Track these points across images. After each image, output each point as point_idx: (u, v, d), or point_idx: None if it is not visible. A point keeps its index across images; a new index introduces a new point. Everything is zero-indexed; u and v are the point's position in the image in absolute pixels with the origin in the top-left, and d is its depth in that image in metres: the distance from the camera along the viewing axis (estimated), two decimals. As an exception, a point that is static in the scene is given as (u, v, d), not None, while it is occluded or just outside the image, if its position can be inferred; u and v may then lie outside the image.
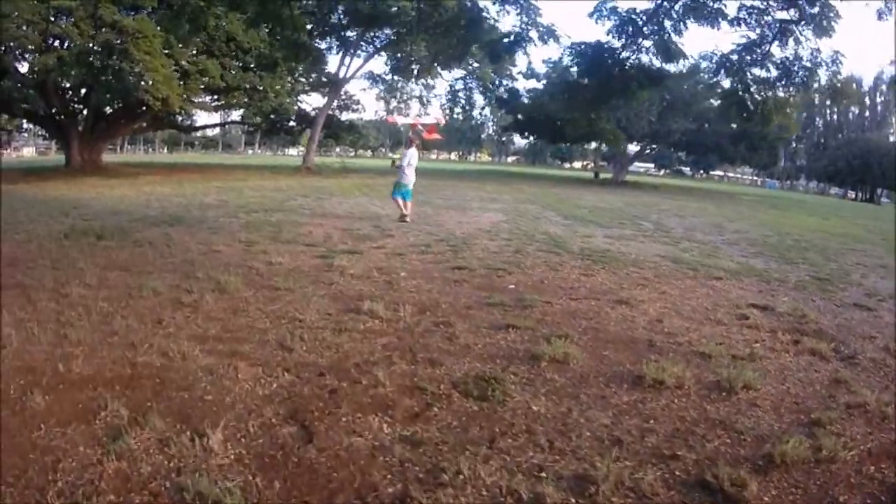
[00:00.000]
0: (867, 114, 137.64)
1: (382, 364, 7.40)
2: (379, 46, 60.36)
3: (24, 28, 36.11)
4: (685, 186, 74.87)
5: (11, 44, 37.77)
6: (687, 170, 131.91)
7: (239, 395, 6.43)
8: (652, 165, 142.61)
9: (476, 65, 60.86)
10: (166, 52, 39.50)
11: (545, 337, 8.55)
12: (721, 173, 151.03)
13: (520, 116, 71.88)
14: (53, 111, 49.29)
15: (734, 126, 59.52)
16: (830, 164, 76.01)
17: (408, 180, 21.97)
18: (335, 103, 62.00)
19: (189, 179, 40.35)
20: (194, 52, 42.91)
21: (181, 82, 41.13)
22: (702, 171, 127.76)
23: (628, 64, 18.27)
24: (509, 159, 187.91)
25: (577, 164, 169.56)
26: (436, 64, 59.59)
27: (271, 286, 11.06)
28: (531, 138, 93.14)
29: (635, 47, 18.33)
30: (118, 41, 36.76)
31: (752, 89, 17.67)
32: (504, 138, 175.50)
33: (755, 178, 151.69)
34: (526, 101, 69.46)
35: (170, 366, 7.13)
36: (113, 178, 40.25)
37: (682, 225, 25.74)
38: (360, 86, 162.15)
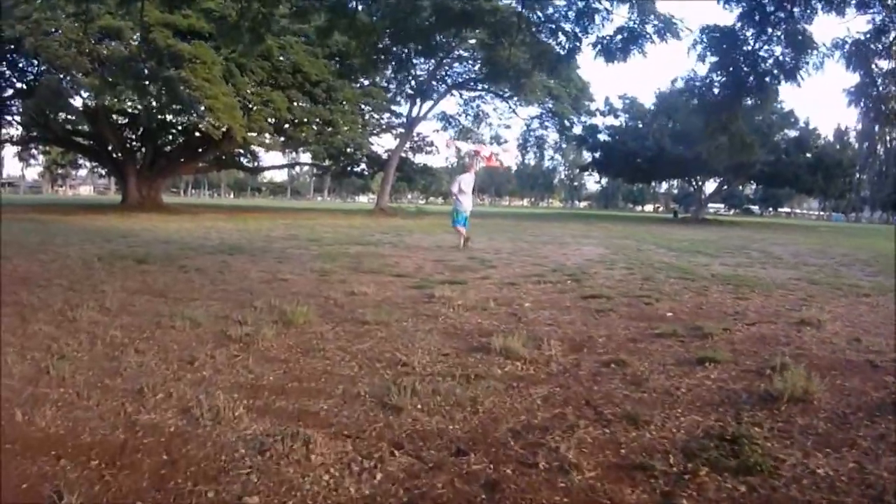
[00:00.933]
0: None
1: (557, 428, 4.76)
2: (451, 84, 58.46)
3: (69, 48, 33.81)
4: (762, 223, 71.42)
5: (59, 69, 36.17)
6: (755, 208, 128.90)
7: (315, 498, 3.64)
8: (722, 205, 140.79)
9: (551, 103, 57.60)
10: (228, 83, 37.65)
11: (758, 370, 6.50)
12: (788, 210, 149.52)
13: (597, 155, 69.93)
14: (109, 146, 48.09)
15: (808, 155, 59.80)
16: (846, 186, 71.74)
17: (462, 207, 20.87)
18: (408, 144, 59.67)
19: (254, 218, 38.08)
20: (257, 81, 41.10)
21: (244, 114, 38.94)
22: (770, 209, 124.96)
23: (760, 55, 15.23)
24: (581, 204, 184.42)
25: (649, 207, 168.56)
26: (516, 99, 58.46)
27: (356, 319, 8.44)
28: (605, 180, 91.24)
29: (765, 37, 15.33)
30: (173, 67, 34.64)
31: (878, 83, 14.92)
32: (576, 183, 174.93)
33: (821, 212, 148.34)
34: (604, 138, 67.50)
35: (192, 433, 4.42)
36: (172, 214, 38.91)
37: (787, 252, 23.81)
38: (431, 127, 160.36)
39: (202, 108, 36.01)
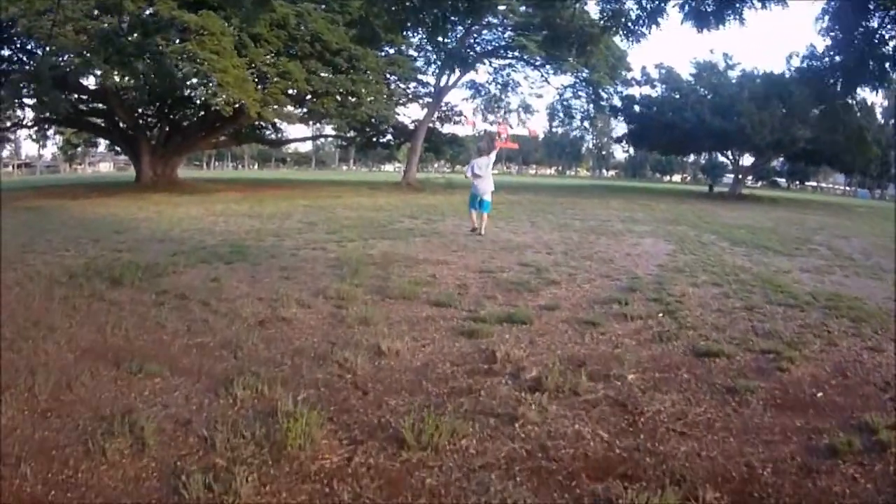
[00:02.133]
0: None
1: None
2: (480, 52, 55.81)
3: (64, 26, 31.13)
4: (796, 199, 68.25)
5: (58, 49, 33.48)
6: (782, 181, 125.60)
7: None
8: (749, 178, 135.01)
9: (586, 72, 54.07)
10: (241, 55, 34.61)
11: None
12: (814, 184, 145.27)
13: (632, 126, 66.76)
14: (121, 124, 45.50)
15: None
16: (883, 164, 68.04)
17: (478, 190, 19.29)
18: (435, 114, 56.40)
19: (273, 197, 36.25)
20: (273, 52, 37.63)
21: (259, 87, 36.04)
22: (796, 182, 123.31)
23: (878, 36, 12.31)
24: (608, 173, 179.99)
25: (676, 178, 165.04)
26: (548, 68, 56.07)
27: (384, 432, 5.31)
28: (644, 150, 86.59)
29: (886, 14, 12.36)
30: (177, 40, 32.20)
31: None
32: (604, 152, 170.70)
33: (847, 187, 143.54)
34: (640, 109, 64.07)
35: None
36: (186, 194, 35.99)
37: (853, 248, 20.58)
38: (460, 96, 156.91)
39: (211, 82, 33.33)
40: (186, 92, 39.20)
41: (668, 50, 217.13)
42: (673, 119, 56.68)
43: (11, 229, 18.78)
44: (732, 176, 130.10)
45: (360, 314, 9.09)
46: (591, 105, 61.30)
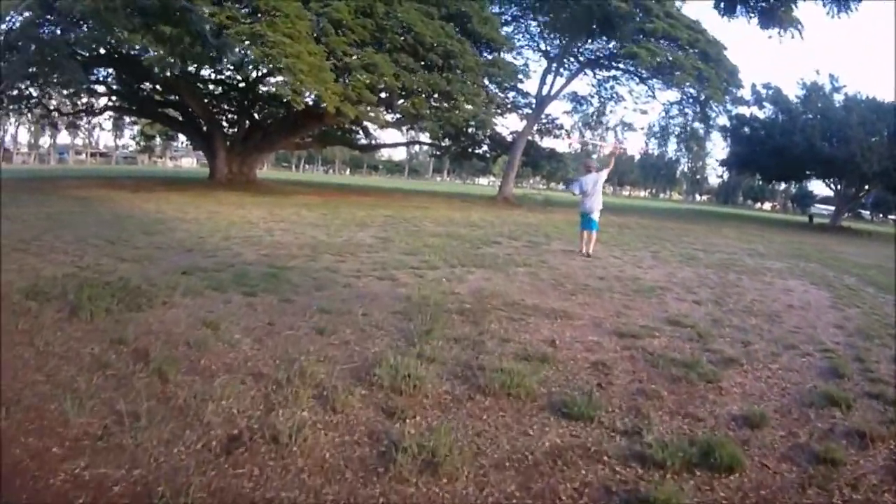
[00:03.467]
0: None
1: None
2: (584, 62, 51.82)
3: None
4: (889, 232, 61.82)
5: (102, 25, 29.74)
6: (867, 213, 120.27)
7: None
8: (833, 208, 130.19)
9: (693, 88, 48.71)
10: (319, 42, 30.66)
11: None
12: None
13: (738, 148, 61.74)
14: (196, 117, 42.45)
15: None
16: None
17: (585, 208, 18.35)
18: (535, 126, 51.73)
19: (354, 204, 32.87)
20: (357, 42, 32.62)
21: (340, 80, 31.76)
22: (881, 215, 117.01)
23: None
24: (701, 198, 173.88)
25: (766, 205, 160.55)
26: (655, 81, 51.23)
27: None
28: (726, 174, 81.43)
29: None
30: (248, 21, 28.40)
31: None
32: (699, 176, 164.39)
33: None
34: (748, 130, 59.19)
35: None
36: (259, 195, 33.04)
37: None
38: (561, 108, 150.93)
39: (281, 69, 29.78)
40: (252, 75, 36.66)
41: (769, 69, 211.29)
42: (782, 143, 52.02)
43: (30, 219, 17.27)
44: (823, 205, 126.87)
45: (426, 439, 4.85)
46: (700, 123, 56.76)
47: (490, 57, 41.44)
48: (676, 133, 59.86)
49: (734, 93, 51.45)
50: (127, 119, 58.46)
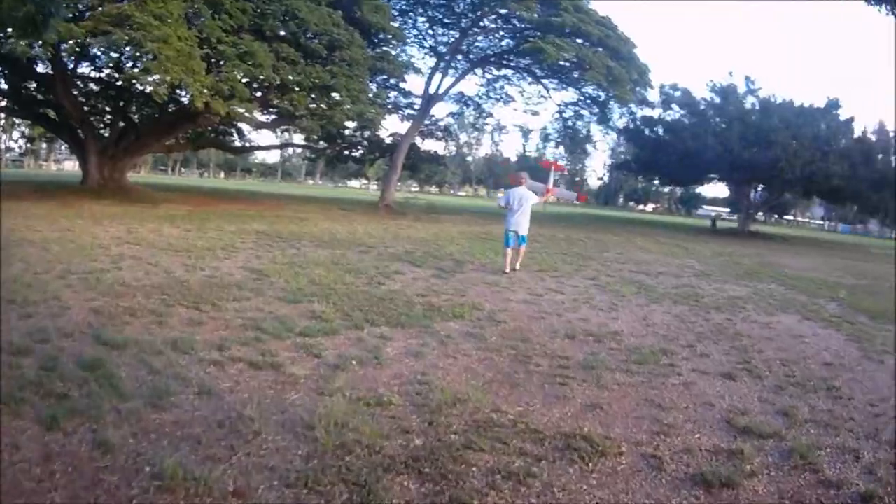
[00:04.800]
0: None
1: None
2: (475, 60, 48.08)
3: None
4: (798, 235, 65.97)
5: None
6: (760, 215, 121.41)
7: None
8: (727, 209, 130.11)
9: (591, 87, 46.16)
10: (192, 27, 26.62)
11: None
12: (791, 217, 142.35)
13: (642, 152, 59.87)
14: (70, 118, 37.39)
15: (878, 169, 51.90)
16: (880, 203, 64.11)
17: (510, 225, 17.25)
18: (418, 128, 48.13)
19: (225, 214, 28.49)
20: (234, 27, 28.16)
21: (213, 71, 27.69)
22: (775, 216, 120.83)
23: None
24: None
25: (649, 207, 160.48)
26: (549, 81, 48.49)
27: None
28: (651, 178, 79.64)
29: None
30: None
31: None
32: (578, 178, 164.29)
33: (829, 221, 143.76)
34: (657, 133, 57.30)
35: None
36: (125, 204, 28.90)
37: None
38: (446, 109, 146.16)
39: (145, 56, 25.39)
40: (129, 71, 30.20)
41: (678, 72, 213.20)
42: (693, 146, 49.66)
43: None
44: (710, 207, 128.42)
45: None
46: (599, 125, 54.00)
47: (377, 51, 37.51)
48: (570, 135, 56.01)
49: (642, 93, 48.68)
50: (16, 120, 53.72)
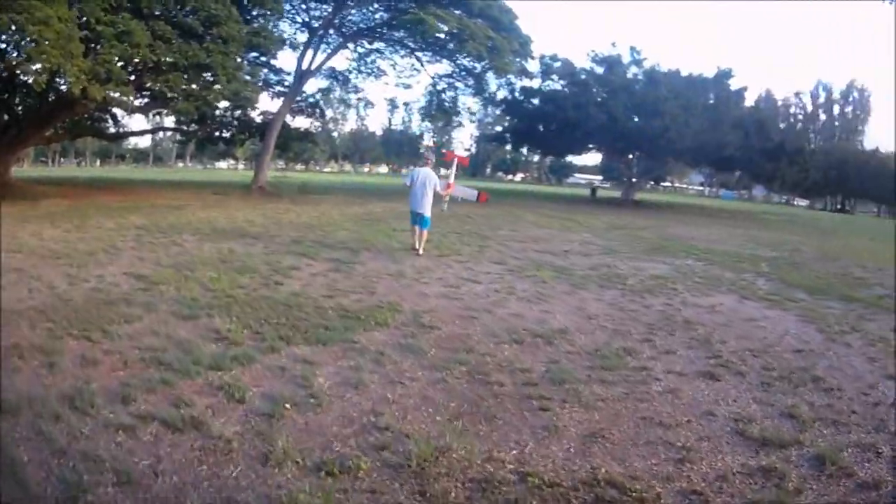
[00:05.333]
0: (837, 123, 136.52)
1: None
2: (348, 34, 46.20)
3: None
4: (683, 203, 67.78)
5: None
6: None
7: None
8: (600, 177, 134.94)
9: (467, 59, 44.80)
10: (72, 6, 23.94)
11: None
12: (668, 184, 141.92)
13: (515, 122, 59.44)
14: None
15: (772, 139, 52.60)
16: (801, 173, 66.10)
17: (419, 206, 16.81)
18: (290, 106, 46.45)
19: (103, 208, 25.91)
20: (111, 5, 25.16)
21: (87, 52, 24.63)
22: (652, 182, 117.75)
23: None
24: (447, 171, 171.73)
25: (518, 177, 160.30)
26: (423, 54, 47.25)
27: None
28: (528, 150, 78.98)
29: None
30: None
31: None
32: (444, 150, 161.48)
33: (708, 188, 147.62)
34: (535, 104, 55.80)
35: None
36: (7, 203, 25.18)
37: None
38: (315, 86, 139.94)
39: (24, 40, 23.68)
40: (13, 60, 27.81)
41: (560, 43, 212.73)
42: (575, 116, 49.06)
43: None
44: (581, 175, 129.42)
45: None
46: (476, 97, 52.96)
47: (254, 25, 34.63)
48: (444, 108, 53.72)
49: (522, 64, 47.53)
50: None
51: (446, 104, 52.66)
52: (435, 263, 15.32)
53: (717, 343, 9.46)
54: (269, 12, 35.09)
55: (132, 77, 29.69)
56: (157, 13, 27.58)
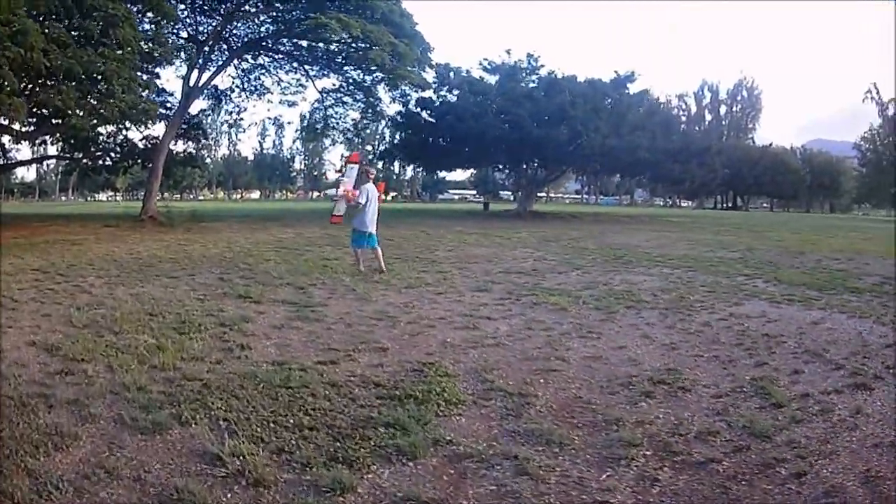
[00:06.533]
0: (724, 122, 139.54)
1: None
2: (235, 48, 42.51)
3: None
4: (577, 212, 62.55)
5: None
6: (507, 193, 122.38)
7: None
8: (473, 191, 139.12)
9: (355, 72, 43.13)
10: None
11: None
12: (543, 193, 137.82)
13: (411, 136, 55.19)
14: None
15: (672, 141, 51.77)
16: (710, 173, 66.64)
17: (359, 224, 16.14)
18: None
19: None
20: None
21: None
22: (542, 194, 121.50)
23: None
24: (317, 194, 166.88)
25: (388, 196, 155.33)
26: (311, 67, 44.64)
27: None
28: (421, 166, 75.02)
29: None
30: None
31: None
32: (316, 172, 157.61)
33: (585, 194, 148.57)
34: (430, 116, 52.77)
35: None
36: None
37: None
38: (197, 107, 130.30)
39: None
40: None
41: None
42: (476, 128, 45.96)
43: None
44: (455, 191, 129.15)
45: None
46: (367, 112, 49.44)
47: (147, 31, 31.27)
48: (332, 124, 50.85)
49: (420, 74, 43.36)
50: None
51: (333, 120, 49.87)
52: (410, 297, 12.50)
53: (824, 352, 8.65)
54: (161, 19, 30.98)
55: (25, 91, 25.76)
56: (52, 14, 23.92)
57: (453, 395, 6.56)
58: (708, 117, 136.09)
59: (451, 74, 51.69)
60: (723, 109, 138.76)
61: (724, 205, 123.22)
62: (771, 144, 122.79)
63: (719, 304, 12.23)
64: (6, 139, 36.20)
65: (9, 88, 21.74)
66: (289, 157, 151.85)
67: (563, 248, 24.15)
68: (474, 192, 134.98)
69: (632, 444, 5.39)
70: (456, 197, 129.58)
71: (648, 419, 6.04)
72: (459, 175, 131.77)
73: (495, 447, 5.28)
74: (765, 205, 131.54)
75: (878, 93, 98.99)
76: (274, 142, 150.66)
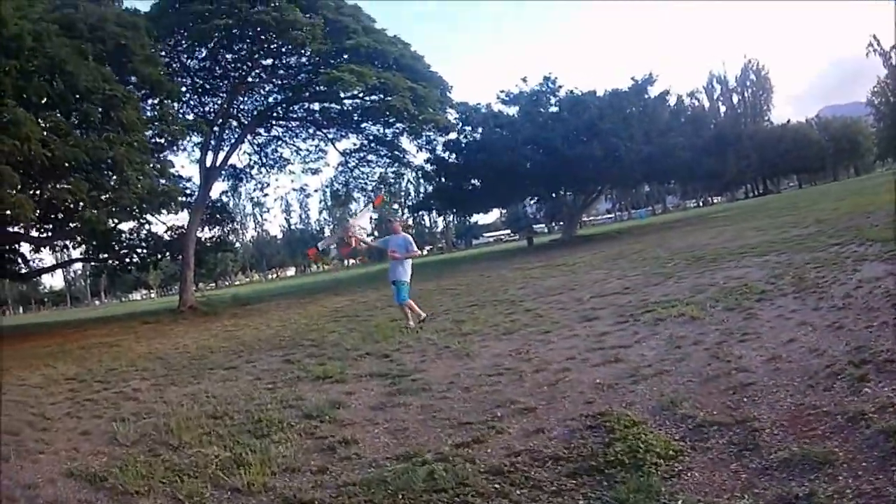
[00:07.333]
0: (739, 110, 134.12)
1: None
2: (247, 122, 40.94)
3: None
4: (620, 230, 61.95)
5: None
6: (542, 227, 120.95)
7: None
8: (507, 231, 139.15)
9: (378, 128, 41.85)
10: None
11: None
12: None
13: (441, 182, 53.22)
14: None
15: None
16: (743, 160, 65.51)
17: (397, 276, 15.15)
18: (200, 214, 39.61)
19: (27, 354, 20.71)
20: None
21: None
22: (554, 223, 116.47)
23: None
24: (354, 262, 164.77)
25: (424, 251, 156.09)
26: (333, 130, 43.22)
27: None
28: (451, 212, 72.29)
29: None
30: None
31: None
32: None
33: (617, 212, 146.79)
34: (458, 156, 50.95)
35: None
36: None
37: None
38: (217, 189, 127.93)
39: None
40: None
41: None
42: (511, 161, 44.51)
43: None
44: (489, 234, 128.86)
45: None
46: (394, 166, 47.32)
47: (154, 112, 29.50)
48: (361, 186, 48.10)
49: (443, 116, 41.24)
50: None
51: (361, 181, 47.47)
52: (516, 343, 10.66)
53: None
54: (164, 97, 29.31)
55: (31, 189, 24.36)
56: (46, 101, 22.43)
57: (661, 445, 5.21)
58: (723, 109, 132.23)
59: (473, 113, 50.01)
60: (735, 98, 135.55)
61: (756, 192, 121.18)
62: (789, 121, 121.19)
63: (840, 274, 11.98)
64: (26, 248, 35.69)
65: (9, 184, 20.24)
66: (317, 228, 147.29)
67: (635, 261, 22.89)
68: (508, 231, 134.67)
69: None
70: (491, 239, 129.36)
71: (888, 402, 5.35)
72: (490, 217, 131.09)
73: (760, 494, 4.20)
74: (791, 184, 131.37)
75: (878, 43, 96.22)
76: (300, 215, 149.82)
